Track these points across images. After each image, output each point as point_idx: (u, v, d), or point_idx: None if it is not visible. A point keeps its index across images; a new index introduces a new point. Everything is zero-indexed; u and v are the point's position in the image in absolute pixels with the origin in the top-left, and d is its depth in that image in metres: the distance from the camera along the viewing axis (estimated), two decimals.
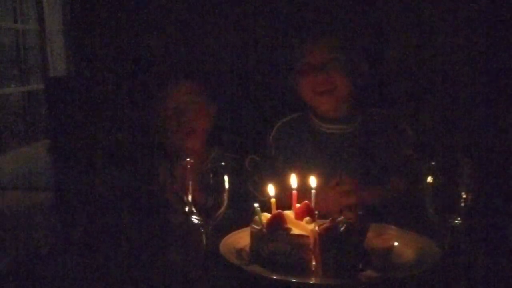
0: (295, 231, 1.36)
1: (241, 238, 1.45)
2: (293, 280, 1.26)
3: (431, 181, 1.28)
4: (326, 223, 1.32)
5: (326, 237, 1.29)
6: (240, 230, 1.49)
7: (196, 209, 1.33)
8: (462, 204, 1.25)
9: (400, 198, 1.72)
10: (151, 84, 2.23)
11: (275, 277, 1.26)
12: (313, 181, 1.48)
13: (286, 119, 2.00)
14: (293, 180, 1.48)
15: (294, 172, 1.48)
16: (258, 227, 1.38)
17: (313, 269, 1.32)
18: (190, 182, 1.32)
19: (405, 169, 1.82)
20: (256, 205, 1.40)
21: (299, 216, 1.41)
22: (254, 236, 1.39)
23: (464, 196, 1.25)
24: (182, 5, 2.34)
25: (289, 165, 1.78)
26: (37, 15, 5.01)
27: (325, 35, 1.90)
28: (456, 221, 1.26)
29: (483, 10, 2.09)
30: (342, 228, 1.29)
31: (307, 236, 1.33)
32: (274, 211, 1.41)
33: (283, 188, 1.49)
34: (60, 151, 2.52)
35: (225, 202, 1.34)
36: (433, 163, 1.29)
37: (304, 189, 1.48)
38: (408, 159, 1.84)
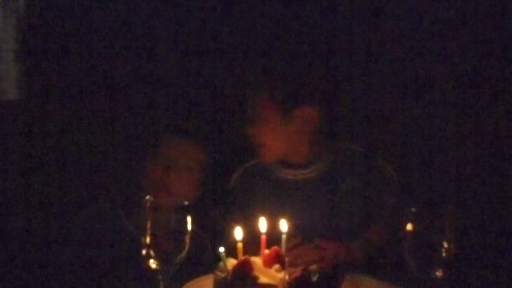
0: (263, 279, 1.28)
1: (204, 286, 1.37)
2: None
3: (410, 228, 1.22)
4: (297, 271, 1.25)
5: (298, 287, 1.21)
6: (202, 278, 1.41)
7: (154, 253, 1.23)
8: (444, 255, 1.20)
9: (382, 249, 1.67)
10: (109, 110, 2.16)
11: None
12: (283, 225, 1.40)
13: (244, 167, 1.92)
14: (262, 224, 1.41)
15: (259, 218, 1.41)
16: (223, 274, 1.30)
17: None
18: (149, 223, 1.22)
19: (387, 218, 1.76)
20: (221, 249, 1.32)
21: (268, 263, 1.34)
22: (217, 284, 1.31)
23: (445, 245, 1.20)
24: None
25: (252, 213, 1.67)
26: None
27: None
28: (437, 273, 1.20)
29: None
30: (314, 278, 1.23)
31: (276, 286, 1.26)
32: (241, 256, 1.33)
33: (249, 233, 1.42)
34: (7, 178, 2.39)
35: (187, 246, 1.24)
36: (413, 209, 1.23)
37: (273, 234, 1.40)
38: (392, 207, 1.78)
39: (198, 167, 1.82)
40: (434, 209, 1.24)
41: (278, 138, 1.77)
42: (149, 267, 1.23)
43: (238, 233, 1.37)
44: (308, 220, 1.47)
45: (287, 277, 1.25)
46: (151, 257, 1.23)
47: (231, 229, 1.43)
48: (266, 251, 1.36)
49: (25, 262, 2.04)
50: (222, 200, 1.88)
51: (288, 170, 1.83)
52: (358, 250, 1.66)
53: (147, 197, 1.26)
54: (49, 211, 2.19)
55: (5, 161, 2.33)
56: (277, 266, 1.31)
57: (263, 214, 1.43)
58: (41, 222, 2.18)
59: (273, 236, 1.40)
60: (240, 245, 1.35)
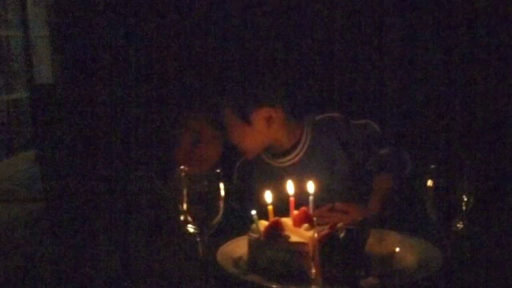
0: (294, 238, 1.35)
1: (238, 247, 1.45)
2: None
3: (431, 184, 1.27)
4: (325, 229, 1.32)
5: (326, 244, 1.29)
6: (237, 239, 1.48)
7: (191, 218, 1.32)
8: (464, 208, 1.24)
9: (394, 196, 1.74)
10: (142, 92, 2.23)
11: (274, 287, 1.25)
12: (310, 186, 1.47)
13: (240, 162, 2.01)
14: (290, 187, 1.48)
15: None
16: (256, 235, 1.38)
17: (313, 277, 1.31)
18: (185, 190, 1.32)
19: (385, 166, 1.83)
20: (253, 212, 1.40)
21: (297, 223, 1.40)
22: (251, 244, 1.39)
23: (465, 199, 1.24)
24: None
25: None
26: (22, 22, 4.99)
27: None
28: (459, 225, 1.25)
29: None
30: (342, 235, 1.29)
31: (306, 243, 1.32)
32: (272, 218, 1.41)
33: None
34: (47, 161, 2.51)
35: (221, 210, 1.32)
36: (433, 166, 1.28)
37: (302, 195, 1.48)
38: (386, 156, 1.84)
39: (221, 137, 1.94)
40: (453, 164, 1.29)
41: (252, 139, 1.86)
42: (187, 231, 1.31)
43: (268, 196, 1.44)
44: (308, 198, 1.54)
45: (316, 235, 1.32)
46: (188, 222, 1.31)
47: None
48: (295, 212, 1.43)
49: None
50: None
51: (274, 159, 1.92)
52: (375, 204, 1.75)
53: (182, 166, 1.36)
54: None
55: (45, 142, 2.45)
56: (306, 225, 1.38)
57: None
58: (79, 193, 2.30)
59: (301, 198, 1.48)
60: (270, 207, 1.42)
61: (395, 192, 1.80)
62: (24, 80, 5.22)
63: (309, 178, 1.49)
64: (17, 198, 3.81)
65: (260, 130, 1.85)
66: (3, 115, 5.53)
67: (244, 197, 1.96)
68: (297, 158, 1.91)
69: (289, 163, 1.91)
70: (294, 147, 1.90)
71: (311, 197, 1.46)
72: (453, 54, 2.17)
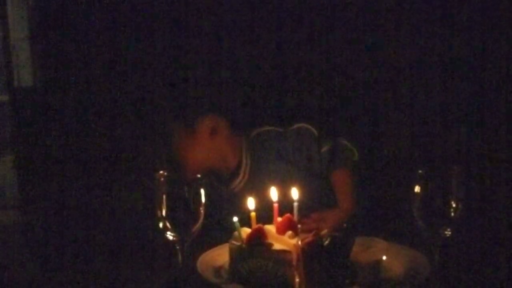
0: (277, 246, 1.33)
1: (220, 255, 1.43)
2: None
3: (418, 190, 1.25)
4: (309, 237, 1.29)
5: (310, 252, 1.25)
6: (218, 247, 1.46)
7: (170, 225, 1.29)
8: (452, 214, 1.23)
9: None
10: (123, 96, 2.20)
11: None
12: (295, 193, 1.45)
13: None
14: (274, 193, 1.45)
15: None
16: (238, 243, 1.36)
17: (297, 286, 1.24)
18: (164, 196, 1.28)
19: (333, 162, 1.82)
20: (235, 219, 1.37)
21: (281, 230, 1.38)
22: (233, 252, 1.36)
23: (453, 205, 1.23)
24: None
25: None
26: (1, 22, 4.93)
27: None
28: (446, 232, 1.24)
29: None
30: (326, 242, 1.26)
31: (290, 252, 1.30)
32: (254, 225, 1.38)
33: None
34: (25, 167, 2.46)
35: (202, 217, 1.29)
36: (420, 171, 1.26)
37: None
38: (326, 153, 1.83)
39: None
40: (441, 169, 1.27)
41: (195, 151, 1.84)
42: (166, 239, 1.28)
43: (251, 203, 1.41)
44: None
45: (300, 242, 1.30)
46: (167, 229, 1.28)
47: None
48: (279, 219, 1.40)
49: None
50: None
51: (225, 186, 1.90)
52: (345, 203, 1.75)
53: (161, 171, 1.32)
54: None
55: (26, 145, 2.40)
56: (290, 232, 1.35)
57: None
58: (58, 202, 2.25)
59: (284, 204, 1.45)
60: (253, 214, 1.39)
61: (356, 183, 1.81)
62: (4, 82, 5.15)
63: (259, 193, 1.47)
64: None
65: (204, 142, 1.84)
66: None
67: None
68: (244, 179, 1.89)
69: (240, 186, 1.89)
70: (238, 169, 1.89)
71: (295, 204, 1.43)
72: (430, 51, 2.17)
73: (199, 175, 1.33)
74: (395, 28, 2.15)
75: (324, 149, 1.84)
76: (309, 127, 1.86)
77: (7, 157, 5.10)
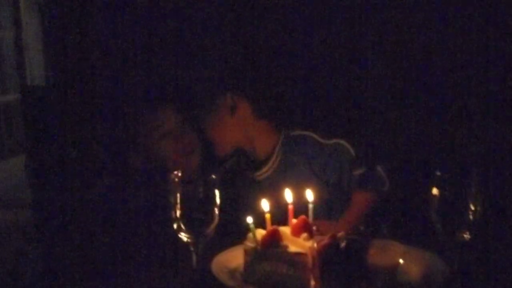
0: (292, 248, 1.32)
1: (234, 257, 1.41)
2: None
3: (436, 193, 1.23)
4: (325, 239, 1.28)
5: (326, 255, 1.25)
6: (232, 248, 1.44)
7: (185, 226, 1.28)
8: (471, 217, 1.21)
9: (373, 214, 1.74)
10: (135, 97, 2.20)
11: None
12: (310, 195, 1.43)
13: (226, 168, 2.01)
14: (288, 194, 1.44)
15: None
16: (252, 245, 1.34)
17: None
18: (178, 196, 1.28)
19: (362, 185, 1.82)
20: (250, 220, 1.35)
21: (296, 232, 1.36)
22: (248, 254, 1.35)
23: (472, 208, 1.21)
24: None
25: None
26: (14, 22, 4.96)
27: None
28: (465, 236, 1.22)
29: None
30: (343, 245, 1.25)
31: (306, 254, 1.28)
32: (269, 227, 1.36)
33: None
34: (37, 167, 2.46)
35: (216, 218, 1.29)
36: (438, 173, 1.24)
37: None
38: (358, 176, 1.82)
39: (186, 126, 1.97)
40: (460, 171, 1.25)
41: (219, 129, 1.89)
42: (180, 241, 1.28)
43: (265, 204, 1.40)
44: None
45: (315, 245, 1.28)
46: (182, 230, 1.28)
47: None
48: (294, 221, 1.38)
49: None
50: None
51: (251, 172, 1.92)
52: (346, 220, 1.74)
53: (176, 172, 1.31)
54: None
55: (37, 145, 2.41)
56: (305, 235, 1.33)
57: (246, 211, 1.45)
58: (77, 199, 2.25)
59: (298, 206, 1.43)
60: (268, 215, 1.38)
61: (374, 210, 1.80)
62: (17, 81, 5.18)
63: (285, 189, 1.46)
64: (5, 205, 3.76)
65: (225, 120, 1.86)
66: None
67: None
68: (270, 171, 1.90)
69: (264, 176, 1.91)
70: (267, 159, 1.90)
71: (310, 205, 1.41)
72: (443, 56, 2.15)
73: (213, 176, 1.31)
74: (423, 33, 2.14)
75: (358, 172, 1.82)
76: (348, 146, 1.85)
77: (19, 156, 5.13)
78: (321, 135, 1.88)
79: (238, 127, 1.87)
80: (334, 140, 1.86)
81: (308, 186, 1.43)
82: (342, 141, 1.85)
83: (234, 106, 1.85)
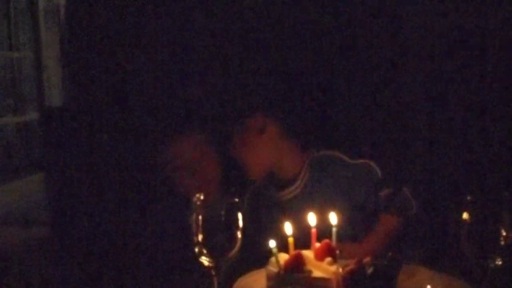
0: (316, 273, 1.29)
1: (256, 281, 1.37)
2: None
3: (467, 217, 1.20)
4: (351, 264, 1.25)
5: (352, 281, 1.22)
6: (254, 272, 1.41)
7: (206, 250, 1.25)
8: (503, 243, 1.18)
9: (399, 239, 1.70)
10: (151, 122, 2.20)
11: None
12: (333, 218, 1.40)
13: (252, 187, 1.99)
14: (312, 218, 1.41)
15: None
16: (275, 270, 1.31)
17: None
18: (200, 220, 1.25)
19: (388, 207, 1.78)
20: (272, 244, 1.32)
21: (320, 256, 1.33)
22: (270, 279, 1.31)
23: (504, 233, 1.18)
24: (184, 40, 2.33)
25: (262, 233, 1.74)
26: (33, 43, 5.02)
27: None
28: (496, 262, 1.19)
29: None
30: (369, 271, 1.22)
31: (330, 279, 1.26)
32: (292, 251, 1.34)
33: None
34: (55, 184, 2.46)
35: (239, 242, 1.26)
36: (469, 197, 1.21)
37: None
38: (384, 197, 1.79)
39: (204, 159, 1.92)
40: (490, 196, 1.22)
41: (248, 152, 1.85)
42: (202, 265, 1.25)
43: (288, 227, 1.37)
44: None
45: (340, 270, 1.25)
46: (203, 254, 1.25)
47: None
48: (317, 245, 1.36)
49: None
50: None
51: (276, 191, 1.89)
52: (370, 243, 1.71)
53: (197, 194, 1.29)
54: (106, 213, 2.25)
55: (55, 165, 2.40)
56: (329, 259, 1.31)
57: (270, 232, 1.43)
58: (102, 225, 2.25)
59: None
60: (291, 239, 1.35)
61: (401, 234, 1.76)
62: (34, 102, 5.23)
63: (310, 211, 1.43)
64: (23, 223, 3.78)
65: (254, 141, 1.83)
66: (13, 138, 5.52)
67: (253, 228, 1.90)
68: (296, 191, 1.87)
69: (290, 196, 1.88)
70: (294, 179, 1.87)
71: (334, 229, 1.38)
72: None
73: (236, 199, 1.29)
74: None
75: (384, 192, 1.80)
76: (374, 166, 1.82)
77: (36, 174, 5.16)
78: (347, 155, 1.85)
79: (267, 147, 1.85)
80: (361, 160, 1.83)
81: (334, 208, 1.41)
82: (369, 162, 1.82)
83: (264, 127, 1.83)
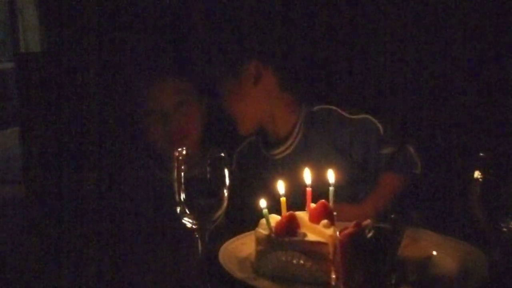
0: (311, 237, 1.21)
1: (245, 245, 1.32)
2: None
3: (479, 176, 1.14)
4: (349, 227, 1.16)
5: (350, 245, 1.13)
6: (243, 235, 1.35)
7: (189, 210, 1.16)
8: None
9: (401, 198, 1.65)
10: (133, 70, 2.08)
11: None
12: (331, 176, 1.30)
13: (239, 148, 1.93)
14: (307, 175, 1.32)
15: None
16: (265, 232, 1.23)
17: (333, 283, 1.17)
18: (183, 178, 1.15)
19: (391, 166, 1.72)
20: (263, 205, 1.23)
21: (315, 218, 1.25)
22: (260, 242, 1.24)
23: None
24: None
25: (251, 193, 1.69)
26: None
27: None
28: (510, 225, 1.12)
29: None
30: (370, 234, 1.13)
31: (326, 244, 1.18)
32: (285, 212, 1.25)
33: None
34: (31, 139, 2.35)
35: (225, 201, 1.18)
36: (481, 154, 1.15)
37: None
38: (386, 156, 1.72)
39: (188, 97, 1.84)
40: (505, 153, 1.16)
41: (241, 101, 1.77)
42: (184, 226, 1.17)
43: (281, 186, 1.28)
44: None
45: (337, 233, 1.17)
46: (186, 215, 1.16)
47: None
48: (312, 205, 1.28)
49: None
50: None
51: (269, 150, 1.83)
52: (371, 203, 1.65)
53: (179, 149, 1.18)
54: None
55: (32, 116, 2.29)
56: (325, 221, 1.23)
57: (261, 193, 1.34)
58: (71, 180, 2.16)
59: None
60: (283, 199, 1.26)
61: (404, 195, 1.70)
62: (10, 49, 5.08)
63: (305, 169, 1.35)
64: None
65: (247, 90, 1.75)
66: None
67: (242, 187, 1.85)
68: (289, 150, 1.80)
69: (282, 155, 1.81)
70: (287, 137, 1.80)
71: (331, 188, 1.30)
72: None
73: (222, 154, 1.19)
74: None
75: (387, 151, 1.73)
76: (376, 122, 1.74)
77: (13, 128, 5.05)
78: (346, 110, 1.77)
79: (261, 99, 1.77)
80: (361, 115, 1.76)
81: (330, 166, 1.32)
82: (370, 116, 1.75)
83: (259, 75, 1.74)
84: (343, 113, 1.77)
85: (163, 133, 1.80)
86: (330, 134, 1.76)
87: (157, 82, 1.83)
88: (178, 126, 1.80)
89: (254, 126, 1.80)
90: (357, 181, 1.72)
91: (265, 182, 1.67)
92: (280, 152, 1.81)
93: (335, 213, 1.26)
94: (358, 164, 1.74)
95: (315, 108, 1.81)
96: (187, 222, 1.17)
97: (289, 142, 1.79)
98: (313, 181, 1.32)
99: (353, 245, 1.13)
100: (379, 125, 1.74)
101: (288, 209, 1.26)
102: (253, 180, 1.83)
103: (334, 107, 1.79)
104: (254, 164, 1.87)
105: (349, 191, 1.68)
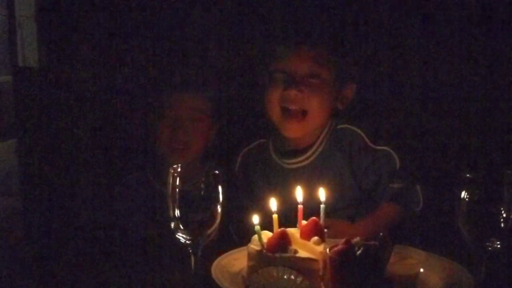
0: (302, 253, 1.24)
1: (237, 260, 1.34)
2: None
3: (465, 196, 1.17)
4: (339, 244, 1.20)
5: (340, 262, 1.17)
6: (235, 250, 1.37)
7: (183, 225, 1.19)
8: (502, 224, 1.15)
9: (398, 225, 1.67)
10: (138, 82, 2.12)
11: None
12: (322, 194, 1.34)
13: (247, 149, 1.94)
14: (299, 193, 1.35)
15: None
16: (257, 248, 1.25)
17: None
18: (177, 193, 1.19)
19: (395, 199, 1.73)
20: (256, 221, 1.27)
21: (306, 235, 1.28)
22: (252, 258, 1.26)
23: (504, 214, 1.15)
24: None
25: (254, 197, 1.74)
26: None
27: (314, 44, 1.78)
28: (495, 245, 1.16)
29: None
30: (359, 251, 1.17)
31: (316, 260, 1.21)
32: (277, 229, 1.28)
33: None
34: (28, 152, 2.39)
35: (219, 217, 1.21)
36: (468, 175, 1.18)
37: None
38: (397, 191, 1.73)
39: (204, 115, 1.90)
40: (491, 174, 1.18)
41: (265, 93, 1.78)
42: (178, 242, 1.20)
43: (273, 204, 1.31)
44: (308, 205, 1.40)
45: (328, 250, 1.21)
46: (179, 231, 1.20)
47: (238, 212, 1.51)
48: (303, 222, 1.31)
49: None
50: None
51: (282, 157, 1.83)
52: (364, 226, 1.65)
53: (175, 166, 1.22)
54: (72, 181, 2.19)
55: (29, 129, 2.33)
56: (315, 238, 1.26)
57: (265, 199, 1.38)
58: (68, 193, 2.19)
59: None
60: (275, 216, 1.29)
61: (397, 226, 1.70)
62: (8, 63, 5.09)
63: (318, 185, 1.38)
64: None
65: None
66: None
67: (242, 192, 1.88)
68: (307, 161, 1.80)
69: (297, 165, 1.81)
70: (306, 148, 1.80)
71: (322, 206, 1.33)
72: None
73: (217, 171, 1.22)
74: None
75: (395, 185, 1.73)
76: (395, 156, 1.75)
77: (10, 141, 5.05)
78: (371, 137, 1.78)
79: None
80: (383, 147, 1.76)
81: (340, 186, 1.35)
82: (390, 150, 1.76)
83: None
84: (366, 140, 1.77)
85: (169, 137, 1.85)
86: (350, 157, 1.76)
87: (182, 94, 1.89)
88: (185, 136, 1.85)
89: (274, 113, 1.78)
90: (360, 204, 1.75)
91: (272, 188, 1.71)
92: (296, 162, 1.80)
93: (326, 230, 1.29)
94: (366, 190, 1.75)
95: (341, 126, 1.81)
96: (181, 237, 1.20)
97: (308, 154, 1.79)
98: (327, 199, 1.35)
99: (342, 262, 1.16)
100: (397, 160, 1.74)
101: (281, 226, 1.28)
102: (257, 184, 1.85)
103: (359, 130, 1.79)
104: (261, 168, 1.87)
105: (347, 212, 1.71)
